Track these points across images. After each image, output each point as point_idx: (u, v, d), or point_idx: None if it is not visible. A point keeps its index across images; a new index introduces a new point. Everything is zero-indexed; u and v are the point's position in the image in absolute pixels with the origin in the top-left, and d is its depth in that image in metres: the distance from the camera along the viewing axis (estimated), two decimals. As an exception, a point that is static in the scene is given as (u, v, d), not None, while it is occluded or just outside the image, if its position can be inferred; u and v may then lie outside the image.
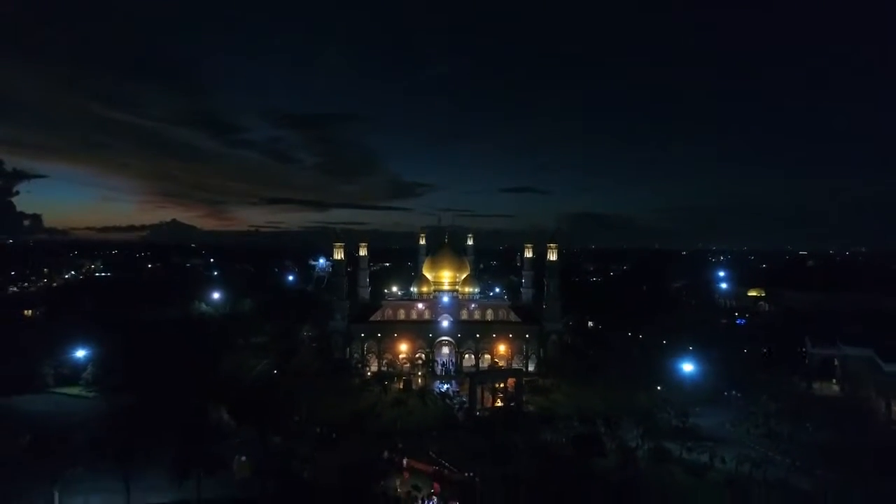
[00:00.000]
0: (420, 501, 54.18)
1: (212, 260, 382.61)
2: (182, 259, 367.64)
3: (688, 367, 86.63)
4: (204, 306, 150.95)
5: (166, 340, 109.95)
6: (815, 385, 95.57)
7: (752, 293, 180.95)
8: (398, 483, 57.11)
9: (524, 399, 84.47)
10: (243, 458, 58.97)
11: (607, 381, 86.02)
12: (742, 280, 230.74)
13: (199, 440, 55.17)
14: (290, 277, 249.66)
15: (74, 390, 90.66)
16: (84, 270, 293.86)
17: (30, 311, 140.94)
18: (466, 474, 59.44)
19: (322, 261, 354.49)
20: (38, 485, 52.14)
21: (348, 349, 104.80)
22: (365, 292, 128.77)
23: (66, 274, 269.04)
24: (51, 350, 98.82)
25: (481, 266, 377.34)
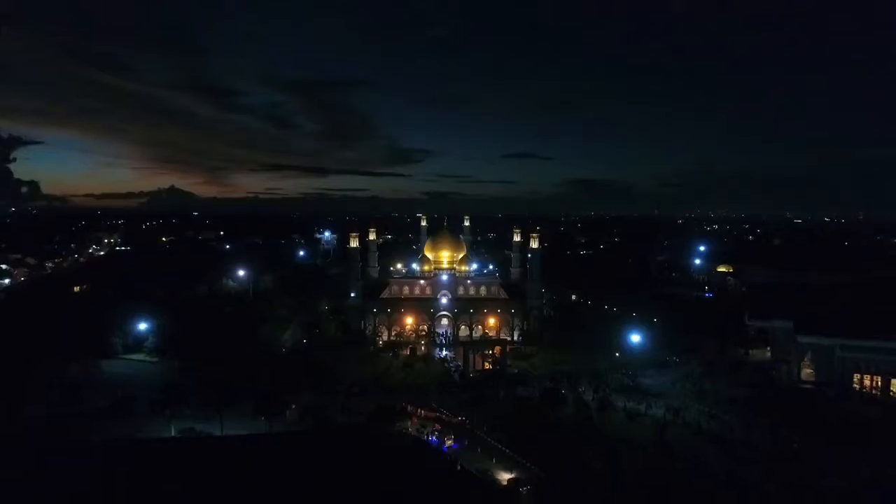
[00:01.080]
0: (426, 437, 73.95)
1: (221, 233, 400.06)
2: (194, 233, 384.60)
3: (636, 338, 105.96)
4: (231, 283, 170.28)
5: (209, 314, 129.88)
6: (752, 352, 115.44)
7: (722, 269, 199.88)
8: (409, 424, 76.84)
9: (508, 363, 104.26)
10: (293, 406, 78.60)
11: (575, 348, 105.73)
12: (719, 253, 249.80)
13: (266, 394, 74.73)
14: (301, 252, 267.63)
15: (140, 356, 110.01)
16: (106, 244, 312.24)
17: (78, 288, 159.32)
18: (459, 418, 79.26)
19: (327, 234, 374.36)
20: (154, 421, 72.03)
21: (363, 322, 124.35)
22: (374, 271, 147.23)
23: (90, 248, 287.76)
24: (113, 322, 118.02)
25: (478, 238, 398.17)
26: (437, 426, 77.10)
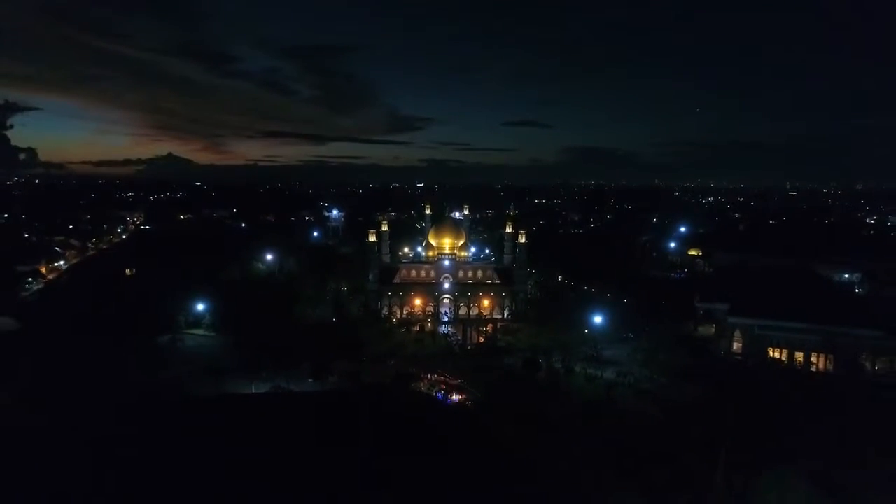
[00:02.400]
0: (434, 394, 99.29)
1: (234, 210, 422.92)
2: (210, 210, 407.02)
3: (599, 318, 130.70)
4: (260, 266, 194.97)
5: (250, 294, 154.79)
6: (700, 328, 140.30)
7: (692, 252, 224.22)
8: (421, 385, 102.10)
9: (498, 338, 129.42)
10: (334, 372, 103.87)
11: (553, 325, 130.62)
12: (695, 235, 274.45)
13: (316, 361, 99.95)
14: (315, 233, 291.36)
15: (199, 331, 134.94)
16: (130, 223, 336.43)
17: (129, 271, 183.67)
18: (459, 381, 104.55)
19: (335, 212, 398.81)
20: (235, 381, 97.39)
21: (379, 303, 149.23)
22: (386, 257, 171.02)
23: (118, 227, 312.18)
24: (174, 302, 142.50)
25: (477, 215, 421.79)
26: (442, 386, 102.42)
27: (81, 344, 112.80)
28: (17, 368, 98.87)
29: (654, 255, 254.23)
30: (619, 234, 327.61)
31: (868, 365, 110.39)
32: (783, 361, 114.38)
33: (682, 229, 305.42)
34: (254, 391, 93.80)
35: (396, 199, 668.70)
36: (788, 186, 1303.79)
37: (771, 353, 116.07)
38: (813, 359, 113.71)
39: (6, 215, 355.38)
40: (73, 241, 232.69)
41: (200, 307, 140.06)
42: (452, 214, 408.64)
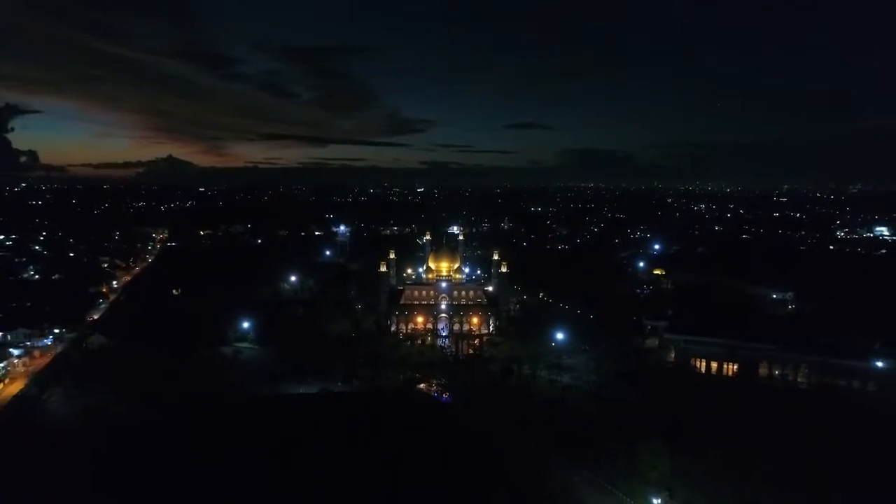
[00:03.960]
0: (433, 394, 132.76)
1: (249, 225, 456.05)
2: (225, 226, 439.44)
3: (562, 334, 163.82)
4: (285, 286, 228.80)
5: (284, 312, 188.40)
6: (647, 341, 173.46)
7: (657, 272, 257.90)
8: (424, 387, 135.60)
9: (484, 349, 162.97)
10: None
11: (528, 339, 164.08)
12: (663, 255, 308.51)
13: (346, 368, 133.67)
14: (327, 252, 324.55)
15: (245, 344, 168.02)
16: (157, 240, 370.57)
17: (176, 291, 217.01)
18: (450, 384, 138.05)
19: (342, 227, 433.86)
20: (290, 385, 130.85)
21: (388, 320, 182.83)
22: (393, 280, 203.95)
23: (148, 244, 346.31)
24: (223, 318, 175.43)
25: (473, 229, 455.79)
26: (438, 387, 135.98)
27: (159, 355, 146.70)
28: (115, 376, 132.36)
29: (629, 270, 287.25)
30: (602, 248, 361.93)
31: (766, 372, 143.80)
32: (700, 370, 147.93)
33: (656, 246, 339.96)
34: (302, 391, 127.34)
35: (397, 208, 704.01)
36: (785, 189, 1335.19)
37: (693, 363, 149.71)
38: (726, 367, 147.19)
39: (29, 227, 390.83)
40: (118, 262, 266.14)
41: (245, 324, 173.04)
42: (450, 229, 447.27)
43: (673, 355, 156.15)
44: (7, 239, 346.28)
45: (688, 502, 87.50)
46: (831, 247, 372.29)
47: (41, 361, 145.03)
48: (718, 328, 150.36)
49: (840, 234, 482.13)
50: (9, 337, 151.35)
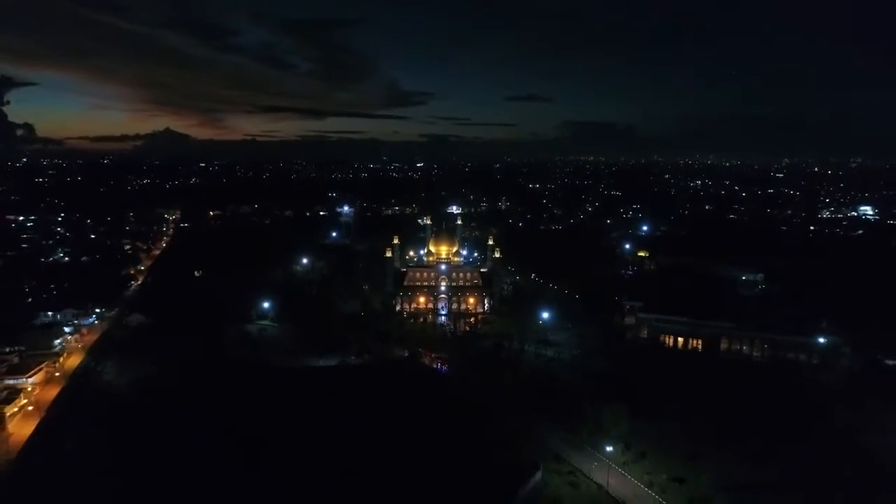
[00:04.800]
0: (433, 366, 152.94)
1: (255, 206, 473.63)
2: (233, 207, 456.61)
3: (549, 312, 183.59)
4: (298, 268, 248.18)
5: (299, 292, 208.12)
6: (626, 320, 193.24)
7: (641, 254, 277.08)
8: (426, 359, 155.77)
9: (479, 327, 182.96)
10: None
11: (518, 317, 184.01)
12: (649, 237, 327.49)
13: (360, 344, 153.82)
14: (332, 232, 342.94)
15: (265, 322, 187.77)
16: (171, 221, 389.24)
17: (198, 272, 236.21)
18: (448, 357, 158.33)
19: (346, 208, 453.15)
20: (310, 358, 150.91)
21: (393, 300, 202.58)
22: (397, 263, 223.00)
23: (163, 225, 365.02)
24: (245, 298, 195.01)
25: (472, 209, 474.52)
26: (439, 360, 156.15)
27: (193, 332, 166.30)
28: (158, 350, 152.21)
29: (617, 252, 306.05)
30: (593, 229, 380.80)
31: (726, 347, 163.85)
32: (668, 345, 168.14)
33: (644, 228, 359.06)
34: (322, 364, 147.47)
35: (397, 186, 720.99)
36: (785, 164, 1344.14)
37: (663, 339, 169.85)
38: (691, 343, 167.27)
39: (44, 207, 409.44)
40: (139, 244, 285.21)
41: (265, 304, 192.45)
42: (450, 209, 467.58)
43: (646, 332, 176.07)
44: (27, 220, 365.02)
45: (641, 454, 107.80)
46: (812, 227, 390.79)
47: (89, 338, 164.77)
48: (685, 308, 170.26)
49: (826, 213, 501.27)
50: (58, 316, 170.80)
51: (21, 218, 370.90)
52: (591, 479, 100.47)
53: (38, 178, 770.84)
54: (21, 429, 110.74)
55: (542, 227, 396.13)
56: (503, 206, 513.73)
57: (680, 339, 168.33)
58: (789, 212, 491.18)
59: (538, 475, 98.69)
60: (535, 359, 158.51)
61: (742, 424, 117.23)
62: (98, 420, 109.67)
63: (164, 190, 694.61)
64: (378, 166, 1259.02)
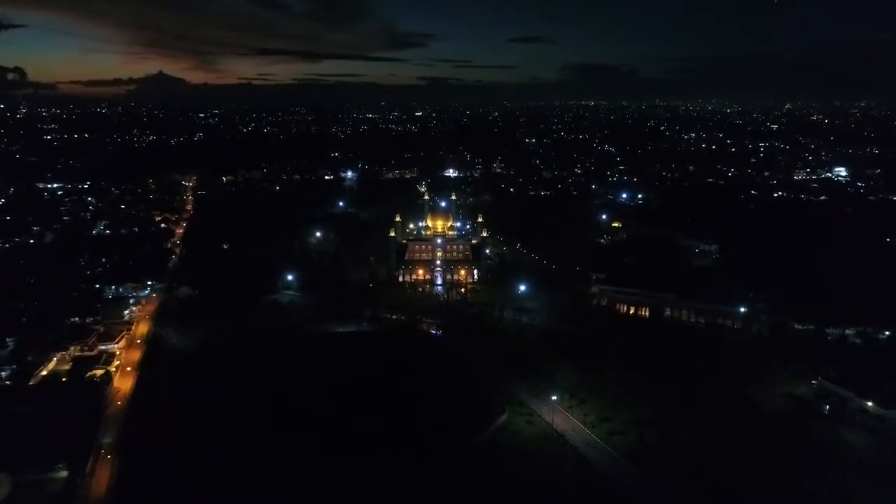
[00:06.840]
0: (429, 330, 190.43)
1: (264, 169, 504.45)
2: (245, 172, 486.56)
3: (527, 282, 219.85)
4: (311, 240, 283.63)
5: (315, 263, 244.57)
6: (592, 289, 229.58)
7: (615, 224, 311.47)
8: (423, 325, 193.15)
9: (468, 296, 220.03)
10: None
11: (501, 286, 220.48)
12: (624, 207, 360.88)
13: (370, 312, 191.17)
14: (338, 201, 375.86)
15: (290, 292, 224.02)
16: (186, 188, 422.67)
17: (225, 245, 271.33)
18: (441, 323, 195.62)
19: (350, 173, 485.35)
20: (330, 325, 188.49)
21: (396, 272, 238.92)
22: (400, 236, 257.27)
23: (185, 194, 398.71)
24: (267, 267, 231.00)
25: (468, 174, 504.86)
26: (434, 326, 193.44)
27: (232, 301, 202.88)
28: (209, 319, 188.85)
29: (597, 219, 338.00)
30: (578, 195, 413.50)
31: (669, 315, 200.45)
32: (621, 313, 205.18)
33: (624, 196, 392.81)
34: (342, 330, 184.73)
35: (396, 143, 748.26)
36: (785, 109, 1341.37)
37: (618, 307, 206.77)
38: (641, 311, 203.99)
39: (64, 171, 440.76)
40: (168, 216, 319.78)
41: (289, 276, 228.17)
42: (446, 172, 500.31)
43: (605, 301, 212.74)
44: (58, 189, 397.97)
45: (581, 401, 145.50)
46: (780, 193, 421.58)
47: (148, 308, 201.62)
48: (638, 280, 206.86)
49: (802, 174, 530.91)
50: (120, 290, 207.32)
51: (52, 186, 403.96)
52: (543, 419, 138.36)
53: (45, 136, 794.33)
54: (122, 384, 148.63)
55: (531, 193, 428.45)
56: (497, 169, 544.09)
57: (631, 308, 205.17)
58: (766, 173, 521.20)
59: (504, 416, 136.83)
60: (512, 324, 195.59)
61: (662, 377, 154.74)
62: (181, 376, 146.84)
63: (171, 148, 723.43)
64: (377, 116, 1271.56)
